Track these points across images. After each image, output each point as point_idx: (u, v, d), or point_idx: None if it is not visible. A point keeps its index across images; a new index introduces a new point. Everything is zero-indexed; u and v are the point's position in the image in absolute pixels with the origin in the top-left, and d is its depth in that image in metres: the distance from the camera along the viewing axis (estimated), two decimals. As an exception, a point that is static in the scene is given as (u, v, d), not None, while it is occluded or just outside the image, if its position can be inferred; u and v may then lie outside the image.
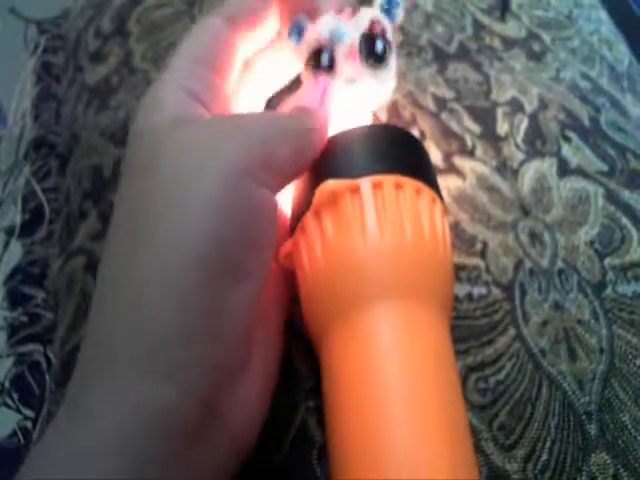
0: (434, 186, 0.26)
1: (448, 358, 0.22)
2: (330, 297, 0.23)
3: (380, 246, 0.23)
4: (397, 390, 0.20)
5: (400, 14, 0.28)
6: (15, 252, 0.32)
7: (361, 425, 0.20)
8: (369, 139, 0.26)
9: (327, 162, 0.26)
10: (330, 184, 0.24)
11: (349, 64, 0.27)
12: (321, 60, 0.27)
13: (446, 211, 0.27)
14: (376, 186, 0.24)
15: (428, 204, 0.25)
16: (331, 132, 0.27)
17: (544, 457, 0.26)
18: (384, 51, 0.28)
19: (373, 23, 0.27)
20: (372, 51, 0.27)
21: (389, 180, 0.24)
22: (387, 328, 0.22)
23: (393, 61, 0.29)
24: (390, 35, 0.28)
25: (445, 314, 0.24)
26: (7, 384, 0.28)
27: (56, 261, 0.36)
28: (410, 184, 0.24)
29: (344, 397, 0.21)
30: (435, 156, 0.37)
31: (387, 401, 0.20)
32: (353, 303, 0.22)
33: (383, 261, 0.23)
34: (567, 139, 0.39)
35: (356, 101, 0.29)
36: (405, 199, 0.24)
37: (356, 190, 0.24)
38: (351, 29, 0.27)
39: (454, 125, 0.39)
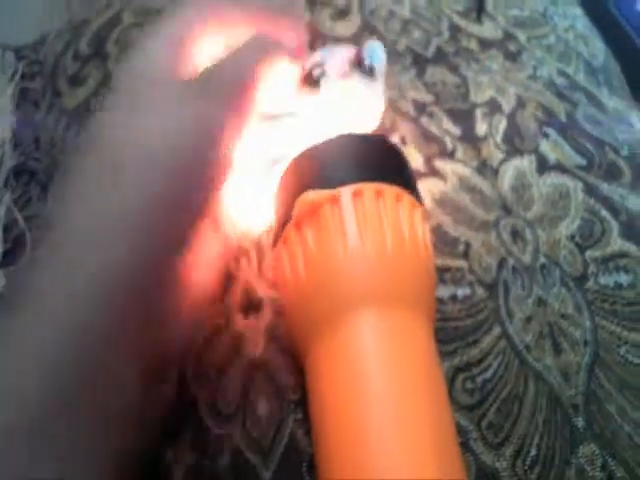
0: (414, 191, 0.26)
1: (433, 362, 0.22)
2: (313, 307, 0.23)
3: (361, 254, 0.23)
4: (382, 396, 0.20)
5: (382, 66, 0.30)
6: (-3, 281, 0.33)
7: (348, 432, 0.20)
8: (348, 148, 0.26)
9: (306, 173, 0.26)
10: (310, 195, 0.24)
11: (339, 68, 0.29)
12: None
13: (427, 215, 0.27)
14: (356, 194, 0.24)
15: (408, 210, 0.25)
16: (310, 143, 0.27)
17: (533, 452, 0.27)
18: (370, 67, 0.29)
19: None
20: (361, 63, 0.29)
21: (369, 188, 0.24)
22: (370, 335, 0.22)
23: (380, 83, 0.30)
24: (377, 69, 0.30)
25: (428, 318, 0.24)
26: None
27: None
28: (390, 191, 0.24)
29: (330, 406, 0.21)
30: (416, 160, 0.37)
31: (373, 408, 0.20)
32: (336, 312, 0.23)
33: (364, 269, 0.23)
34: (545, 135, 0.40)
35: (346, 106, 0.29)
36: (385, 206, 0.24)
37: (336, 200, 0.24)
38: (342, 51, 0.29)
39: (434, 128, 0.40)
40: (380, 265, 0.23)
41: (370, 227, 0.23)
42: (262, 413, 0.28)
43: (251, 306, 0.31)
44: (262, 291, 0.31)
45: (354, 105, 0.30)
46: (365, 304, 0.22)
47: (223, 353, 0.29)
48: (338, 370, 0.22)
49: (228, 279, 0.32)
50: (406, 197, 0.25)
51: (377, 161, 0.26)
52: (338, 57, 0.29)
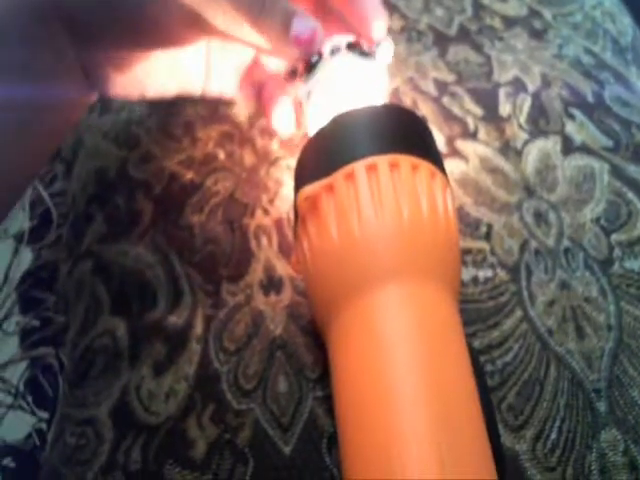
0: (434, 159, 0.25)
1: (456, 332, 0.22)
2: (333, 285, 0.23)
3: (377, 228, 0.23)
4: (406, 368, 0.20)
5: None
6: (25, 257, 0.33)
7: (371, 405, 0.20)
8: (356, 123, 0.26)
9: (304, 166, 0.26)
10: (305, 191, 0.25)
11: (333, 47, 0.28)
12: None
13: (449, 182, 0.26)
14: (370, 168, 0.23)
15: (426, 179, 0.24)
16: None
17: (553, 436, 0.26)
18: (369, 50, 0.29)
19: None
20: (357, 44, 0.29)
21: (383, 160, 0.24)
22: (391, 307, 0.22)
23: (382, 65, 0.29)
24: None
25: (451, 287, 0.23)
26: (21, 387, 0.28)
27: (65, 265, 0.37)
28: (406, 161, 0.24)
29: (353, 379, 0.21)
30: (437, 141, 0.37)
31: (397, 380, 0.20)
32: (356, 287, 0.22)
33: (382, 242, 0.23)
34: (571, 116, 0.39)
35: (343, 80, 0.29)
36: (400, 178, 0.23)
37: (331, 187, 0.24)
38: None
39: (456, 109, 0.39)
40: (398, 237, 0.23)
41: (385, 200, 0.23)
42: (282, 390, 0.28)
43: (272, 285, 0.31)
44: (283, 270, 0.31)
45: (352, 80, 0.29)
46: (385, 276, 0.22)
47: (244, 330, 0.30)
48: (360, 343, 0.22)
49: (249, 257, 0.32)
50: (424, 166, 0.24)
51: (392, 131, 0.25)
52: (335, 40, 0.29)
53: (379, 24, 0.28)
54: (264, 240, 0.33)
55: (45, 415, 0.28)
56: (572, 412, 0.27)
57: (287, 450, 0.26)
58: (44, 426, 0.28)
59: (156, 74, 0.29)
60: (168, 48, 0.28)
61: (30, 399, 0.28)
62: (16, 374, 0.29)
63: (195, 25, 0.26)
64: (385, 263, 0.22)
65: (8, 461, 0.27)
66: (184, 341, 0.30)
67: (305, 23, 0.25)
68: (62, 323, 0.31)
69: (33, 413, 0.28)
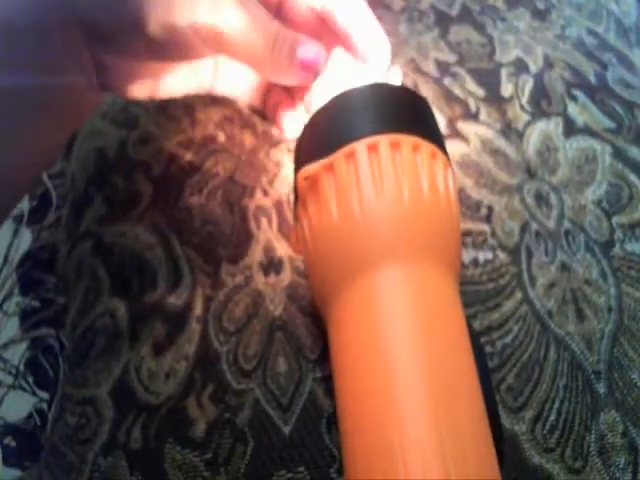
0: (435, 139, 0.25)
1: (456, 312, 0.22)
2: (333, 265, 0.23)
3: (377, 208, 0.22)
4: (407, 350, 0.20)
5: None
6: (25, 238, 0.33)
7: (370, 384, 0.20)
8: (361, 99, 0.25)
9: (303, 147, 0.26)
10: (304, 171, 0.24)
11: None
12: None
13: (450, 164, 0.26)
14: (371, 148, 0.23)
15: (427, 160, 0.24)
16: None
17: (552, 417, 0.26)
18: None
19: None
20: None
21: (383, 140, 0.23)
22: (391, 287, 0.22)
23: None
24: None
25: (452, 269, 0.23)
26: (22, 368, 0.29)
27: (64, 246, 0.36)
28: (407, 141, 0.24)
29: (353, 358, 0.21)
30: (438, 122, 0.37)
31: (396, 358, 0.20)
32: (355, 267, 0.22)
33: (382, 223, 0.22)
34: (573, 98, 0.38)
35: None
36: (401, 158, 0.23)
37: (331, 167, 0.23)
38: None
39: (457, 90, 0.39)
40: (398, 217, 0.23)
41: (386, 180, 0.23)
42: (282, 370, 0.28)
43: (271, 266, 0.31)
44: (282, 251, 0.31)
45: (348, 69, 0.29)
46: (385, 256, 0.22)
47: (243, 311, 0.30)
48: (359, 323, 0.22)
49: (248, 238, 0.32)
50: (425, 146, 0.24)
51: (393, 110, 0.25)
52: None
53: (380, 57, 0.28)
54: (264, 221, 0.32)
55: (46, 395, 0.28)
56: (571, 394, 0.27)
57: (287, 430, 0.26)
58: (45, 406, 0.28)
59: (169, 80, 0.29)
60: (186, 61, 0.28)
61: (31, 379, 0.29)
62: (16, 354, 0.29)
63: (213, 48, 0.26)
64: (385, 243, 0.22)
65: (9, 440, 0.27)
66: (184, 321, 0.30)
67: (309, 48, 0.26)
68: (62, 304, 0.31)
69: (34, 393, 0.28)
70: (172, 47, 0.25)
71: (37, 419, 0.28)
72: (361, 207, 0.23)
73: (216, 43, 0.25)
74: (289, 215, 0.32)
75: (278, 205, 0.33)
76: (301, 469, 0.26)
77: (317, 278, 0.25)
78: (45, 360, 0.29)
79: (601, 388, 0.27)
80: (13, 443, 0.27)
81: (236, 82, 0.32)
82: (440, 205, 0.24)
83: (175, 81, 0.29)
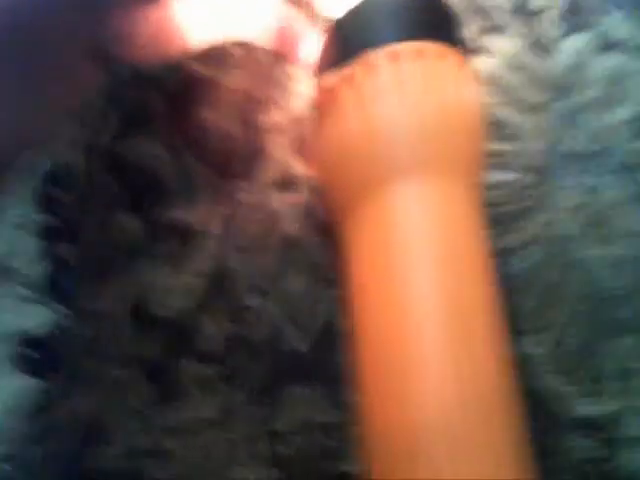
0: (461, 48, 0.24)
1: (476, 231, 0.22)
2: (350, 180, 0.23)
3: (398, 119, 0.22)
4: (425, 270, 0.20)
5: None
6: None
7: (387, 307, 0.20)
8: (382, 5, 0.23)
9: (323, 53, 0.25)
10: (323, 80, 0.23)
11: None
12: None
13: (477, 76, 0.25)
14: (393, 56, 0.22)
15: (453, 70, 0.23)
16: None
17: (573, 341, 0.27)
18: None
19: None
20: None
21: (407, 48, 0.22)
22: (410, 203, 0.21)
23: None
24: None
25: (475, 187, 0.23)
26: (40, 282, 0.29)
27: (80, 163, 0.36)
28: (432, 49, 0.22)
29: (368, 279, 0.21)
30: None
31: (414, 278, 0.20)
32: (373, 181, 0.22)
33: (403, 135, 0.22)
34: (608, 12, 0.36)
35: None
36: (426, 66, 0.22)
37: (350, 78, 0.22)
38: None
39: (482, 0, 0.37)
40: (421, 129, 0.22)
41: (409, 90, 0.22)
42: (297, 289, 0.28)
43: (286, 184, 0.30)
44: (298, 168, 0.30)
45: None
46: (405, 170, 0.21)
47: (258, 229, 0.29)
48: (376, 240, 0.21)
49: (263, 155, 0.31)
50: (451, 55, 0.23)
51: (416, 16, 0.23)
52: None
53: None
54: (279, 138, 0.32)
55: (65, 310, 0.29)
56: (593, 318, 0.27)
57: (302, 348, 0.27)
58: (63, 320, 0.29)
59: None
60: None
61: (50, 294, 0.29)
62: (35, 270, 0.29)
63: None
64: (406, 156, 0.22)
65: (30, 352, 0.28)
66: (199, 238, 0.30)
67: None
68: (79, 221, 0.31)
69: (53, 308, 0.29)
70: None
71: (57, 333, 0.29)
72: (381, 118, 0.22)
73: None
74: (305, 132, 0.32)
75: (294, 122, 0.32)
76: (316, 386, 0.26)
77: (333, 194, 0.24)
78: (63, 276, 0.30)
79: (624, 313, 0.27)
80: (36, 355, 0.29)
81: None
82: (466, 119, 0.23)
83: None
